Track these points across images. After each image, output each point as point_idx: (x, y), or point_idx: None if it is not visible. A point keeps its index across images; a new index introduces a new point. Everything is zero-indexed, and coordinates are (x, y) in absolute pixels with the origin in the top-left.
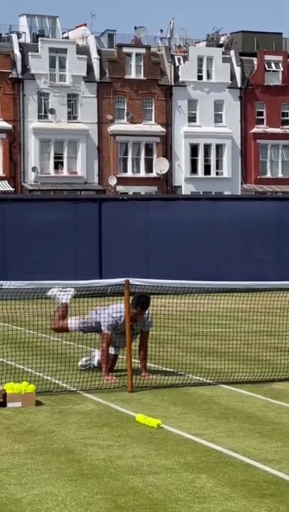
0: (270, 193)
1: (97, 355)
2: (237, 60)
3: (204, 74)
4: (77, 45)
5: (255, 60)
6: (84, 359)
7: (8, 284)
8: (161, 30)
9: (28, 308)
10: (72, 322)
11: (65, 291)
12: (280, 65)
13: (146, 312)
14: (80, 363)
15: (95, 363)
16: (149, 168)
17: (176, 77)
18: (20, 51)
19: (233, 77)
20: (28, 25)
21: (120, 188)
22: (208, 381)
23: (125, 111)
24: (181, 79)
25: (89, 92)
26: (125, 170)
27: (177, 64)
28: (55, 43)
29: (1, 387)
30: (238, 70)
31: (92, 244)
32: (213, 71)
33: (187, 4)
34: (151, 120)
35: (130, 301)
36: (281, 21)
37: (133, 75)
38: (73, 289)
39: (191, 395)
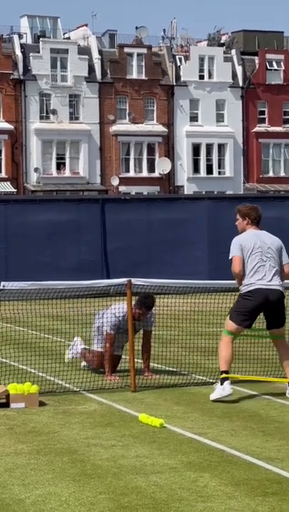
0: (272, 192)
1: (79, 342)
2: (238, 59)
3: (206, 73)
4: (79, 45)
5: (256, 59)
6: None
7: (10, 285)
8: (164, 30)
9: (31, 309)
10: (97, 344)
11: (73, 344)
12: (282, 63)
13: (150, 311)
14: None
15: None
16: (151, 168)
17: (178, 76)
18: (21, 52)
19: (234, 76)
20: (30, 26)
21: (122, 188)
22: (211, 380)
23: (127, 111)
24: (182, 78)
25: (90, 93)
26: (127, 170)
27: (178, 64)
28: (57, 43)
29: (4, 388)
30: (239, 69)
31: (94, 244)
32: (214, 70)
33: (188, 4)
34: (153, 120)
35: (135, 301)
36: (282, 20)
37: (134, 75)
38: (77, 338)
39: (194, 394)
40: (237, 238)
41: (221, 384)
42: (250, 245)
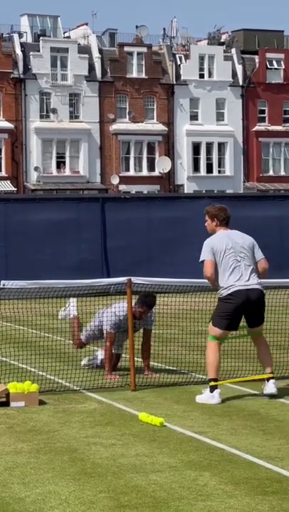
0: (272, 191)
1: (100, 355)
2: (238, 58)
3: (206, 72)
4: (79, 44)
5: (256, 58)
6: (87, 358)
7: (10, 284)
8: (164, 29)
9: (31, 307)
10: (83, 336)
11: (68, 306)
12: (282, 62)
13: (151, 310)
14: (83, 362)
15: (98, 362)
16: (151, 166)
17: (178, 75)
18: (21, 51)
19: (234, 75)
20: (30, 24)
21: (123, 187)
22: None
23: (127, 110)
24: (182, 77)
25: (90, 92)
26: (127, 169)
27: (179, 62)
28: (57, 42)
29: (4, 387)
30: (239, 68)
31: (94, 243)
32: (214, 69)
33: (188, 3)
34: (153, 119)
35: (136, 300)
36: (282, 19)
37: (135, 74)
38: (72, 299)
39: (194, 393)
40: (208, 241)
41: (211, 391)
42: (222, 247)
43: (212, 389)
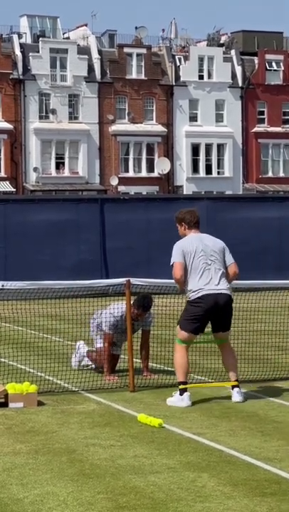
0: (271, 193)
1: (82, 345)
2: (238, 59)
3: (205, 73)
4: (78, 45)
5: (256, 60)
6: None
7: (9, 285)
8: (163, 30)
9: (30, 308)
10: (97, 343)
11: (78, 350)
12: (281, 64)
13: (148, 312)
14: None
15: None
16: (150, 168)
17: (177, 76)
18: (21, 52)
19: (234, 76)
20: (29, 25)
21: (122, 188)
22: (210, 380)
23: (126, 111)
24: (182, 79)
25: (90, 92)
26: (127, 170)
27: (178, 64)
28: (56, 43)
29: (2, 388)
30: (238, 70)
31: (93, 244)
32: (214, 70)
33: (187, 4)
34: (152, 120)
35: (132, 301)
36: (282, 20)
37: (134, 75)
38: (79, 342)
39: (192, 394)
40: (178, 243)
41: (181, 394)
42: (192, 249)
43: (181, 392)
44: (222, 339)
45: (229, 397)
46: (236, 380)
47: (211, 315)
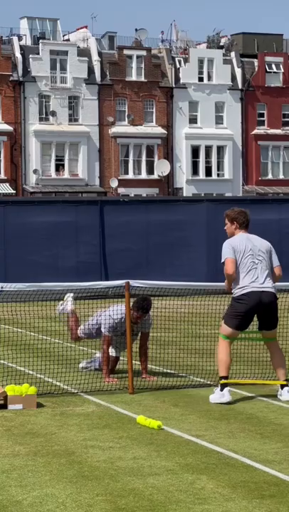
0: (271, 195)
1: (98, 358)
2: (238, 61)
3: (205, 75)
4: (78, 47)
5: (255, 62)
6: (85, 361)
7: (9, 286)
8: (162, 32)
9: (29, 310)
10: (81, 329)
11: (65, 300)
12: (281, 66)
13: (147, 315)
14: (81, 365)
15: (97, 365)
16: (150, 170)
17: (177, 78)
18: (21, 54)
19: (233, 78)
20: (29, 27)
21: (121, 190)
22: (209, 382)
23: (126, 113)
24: (181, 81)
25: (90, 94)
26: (126, 172)
27: (178, 66)
28: (56, 45)
29: (2, 389)
30: (238, 72)
31: (93, 246)
32: (213, 73)
33: (187, 6)
34: (152, 122)
35: (132, 304)
36: (282, 23)
37: (134, 77)
38: (70, 294)
39: (192, 396)
40: (228, 241)
41: (221, 390)
42: (242, 248)
43: (222, 387)
44: (269, 338)
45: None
46: (286, 380)
47: (255, 312)
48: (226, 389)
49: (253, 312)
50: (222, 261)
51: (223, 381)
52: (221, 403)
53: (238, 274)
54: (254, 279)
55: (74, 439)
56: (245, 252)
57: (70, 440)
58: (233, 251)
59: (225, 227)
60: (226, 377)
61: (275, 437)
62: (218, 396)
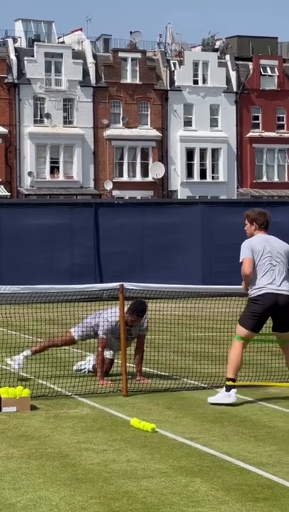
0: (265, 197)
1: (92, 360)
2: (232, 64)
3: (200, 78)
4: (73, 49)
5: (250, 65)
6: (79, 363)
7: (3, 289)
8: (160, 35)
9: (24, 312)
10: (76, 331)
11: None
12: (276, 69)
13: (144, 317)
14: (74, 368)
15: (90, 367)
16: (144, 172)
17: (172, 81)
18: (16, 56)
19: (228, 81)
20: (24, 29)
21: (116, 193)
22: (203, 385)
23: (121, 115)
24: (176, 83)
25: (85, 97)
26: (121, 174)
27: (173, 68)
28: (51, 47)
29: None
30: (233, 75)
31: (88, 248)
32: (208, 75)
33: (182, 9)
34: (146, 124)
35: (127, 307)
36: (276, 26)
37: (129, 80)
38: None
39: (186, 399)
40: (247, 241)
41: (227, 390)
42: (260, 249)
43: (228, 388)
44: (283, 340)
45: (221, 403)
46: None
47: (270, 314)
48: (233, 390)
49: (268, 314)
50: (240, 261)
51: (230, 383)
52: (223, 404)
53: (255, 274)
54: (271, 281)
55: (68, 441)
56: (263, 253)
57: (63, 443)
58: (251, 251)
59: (245, 228)
60: (233, 380)
61: (268, 440)
62: (223, 396)
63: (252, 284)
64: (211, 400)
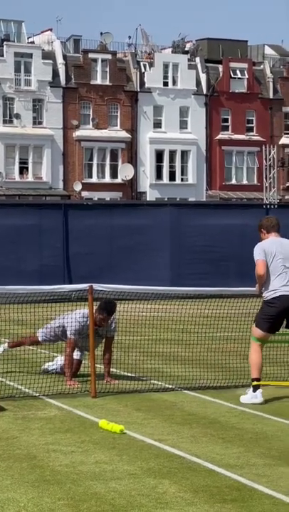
0: (234, 200)
1: (60, 361)
2: (202, 66)
3: (170, 80)
4: (43, 50)
5: (220, 67)
6: (47, 364)
7: None
8: (130, 37)
9: None
10: (41, 332)
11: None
12: (245, 72)
13: (112, 317)
14: (42, 368)
15: (59, 369)
16: (114, 173)
17: (142, 83)
18: None
19: (198, 83)
20: None
21: (85, 194)
22: (171, 387)
23: (91, 116)
24: (146, 85)
25: (54, 97)
26: (90, 175)
27: (143, 70)
28: (21, 47)
29: None
30: (203, 77)
31: (57, 249)
32: (178, 77)
33: (153, 11)
34: (116, 126)
35: (97, 306)
36: (246, 29)
37: (99, 81)
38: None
39: (154, 400)
40: (260, 244)
41: (254, 391)
42: (272, 251)
43: (255, 389)
44: None
45: (190, 405)
46: None
47: (285, 315)
48: (259, 390)
49: (283, 315)
50: (255, 260)
51: (255, 383)
52: (254, 403)
53: (268, 276)
54: (285, 283)
55: (36, 443)
56: (275, 255)
57: (31, 444)
58: (264, 253)
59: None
60: (258, 379)
61: (237, 442)
62: (250, 397)
63: (265, 286)
64: (242, 399)
